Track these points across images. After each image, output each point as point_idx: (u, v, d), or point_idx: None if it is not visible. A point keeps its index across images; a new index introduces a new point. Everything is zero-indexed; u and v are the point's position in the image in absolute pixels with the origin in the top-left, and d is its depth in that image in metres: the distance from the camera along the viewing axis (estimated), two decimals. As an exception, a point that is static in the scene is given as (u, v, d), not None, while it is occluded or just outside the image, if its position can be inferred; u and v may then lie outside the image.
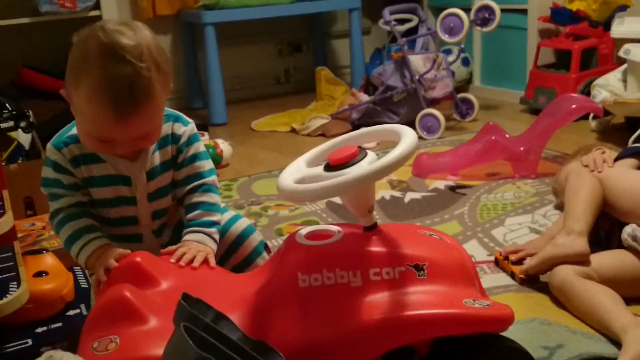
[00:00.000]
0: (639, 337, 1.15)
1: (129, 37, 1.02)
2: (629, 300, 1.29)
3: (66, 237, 1.14)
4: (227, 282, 1.10)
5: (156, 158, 1.17)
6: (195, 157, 1.20)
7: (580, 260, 1.36)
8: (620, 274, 1.34)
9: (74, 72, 1.04)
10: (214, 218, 1.20)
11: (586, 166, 1.54)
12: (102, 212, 1.18)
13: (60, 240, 1.16)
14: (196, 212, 1.20)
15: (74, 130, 1.14)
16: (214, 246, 1.19)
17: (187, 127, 1.19)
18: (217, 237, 1.20)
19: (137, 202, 1.18)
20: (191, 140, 1.20)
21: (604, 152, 1.71)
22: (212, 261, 1.14)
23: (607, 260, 1.37)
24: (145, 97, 1.03)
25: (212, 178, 1.22)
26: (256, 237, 1.28)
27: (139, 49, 1.02)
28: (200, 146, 1.21)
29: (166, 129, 1.18)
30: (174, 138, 1.18)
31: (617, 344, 1.20)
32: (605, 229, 1.53)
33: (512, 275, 1.50)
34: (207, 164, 1.22)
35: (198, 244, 1.16)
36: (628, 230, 1.37)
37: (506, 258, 1.56)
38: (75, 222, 1.14)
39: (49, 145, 1.15)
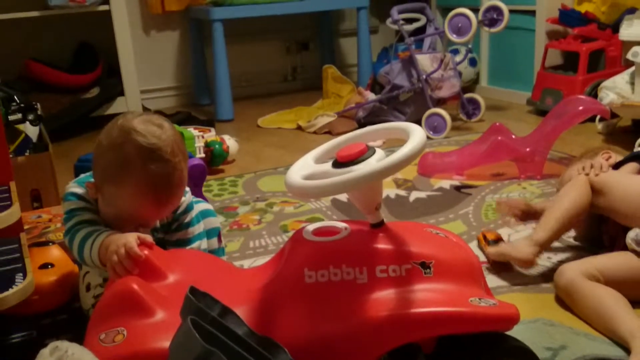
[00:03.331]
0: None
1: (159, 136, 1.14)
2: (634, 303, 1.28)
3: (78, 244, 1.15)
4: (234, 276, 1.10)
5: (156, 222, 1.25)
6: (189, 224, 1.28)
7: (524, 266, 1.48)
8: (625, 276, 1.34)
9: (114, 172, 1.14)
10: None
11: (583, 169, 1.54)
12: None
13: (74, 251, 1.17)
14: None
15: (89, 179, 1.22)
16: None
17: (185, 198, 1.26)
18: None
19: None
20: (188, 209, 1.28)
21: (609, 157, 1.70)
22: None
23: (612, 261, 1.37)
24: (179, 185, 1.17)
25: (197, 244, 1.30)
26: (213, 221, 1.37)
27: (170, 146, 1.14)
28: (193, 213, 1.30)
29: None
30: None
31: (621, 346, 1.20)
32: (610, 233, 1.53)
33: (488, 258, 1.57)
34: (197, 229, 1.30)
35: None
36: (632, 235, 1.37)
37: (486, 241, 1.62)
38: (83, 230, 1.16)
39: (71, 184, 1.22)
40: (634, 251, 1.36)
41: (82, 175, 1.24)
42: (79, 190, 1.20)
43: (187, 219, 1.28)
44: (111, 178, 1.14)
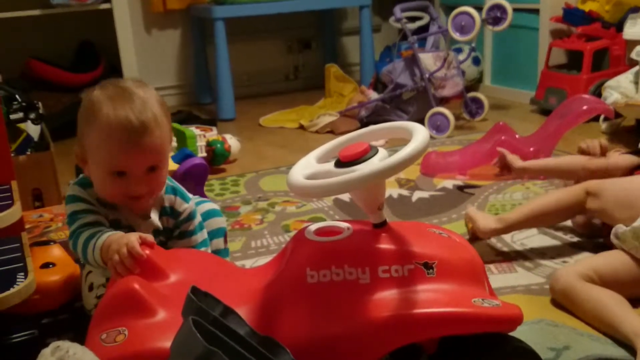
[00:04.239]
0: None
1: (137, 86, 1.14)
2: (631, 302, 1.28)
3: (82, 246, 1.13)
4: (236, 276, 1.10)
5: (158, 223, 1.23)
6: (192, 233, 1.26)
7: (480, 235, 1.63)
8: (621, 274, 1.33)
9: (84, 121, 1.13)
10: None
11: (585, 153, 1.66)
12: None
13: (78, 254, 1.15)
14: None
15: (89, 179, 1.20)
16: None
17: (187, 205, 1.25)
18: None
19: None
20: (190, 216, 1.25)
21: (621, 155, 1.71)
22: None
23: (607, 261, 1.37)
24: (153, 121, 1.11)
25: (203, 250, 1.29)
26: (219, 221, 1.36)
27: (147, 94, 1.13)
28: (196, 221, 1.27)
29: (168, 200, 1.23)
30: (174, 213, 1.24)
31: (624, 346, 1.20)
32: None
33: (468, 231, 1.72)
34: (200, 237, 1.27)
35: None
36: (613, 231, 1.39)
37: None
38: (86, 232, 1.14)
39: (72, 186, 1.20)
40: (618, 246, 1.37)
41: (81, 176, 1.22)
42: (79, 191, 1.19)
43: (190, 227, 1.26)
44: (84, 127, 1.13)
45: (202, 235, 1.28)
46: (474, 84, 3.54)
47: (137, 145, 1.10)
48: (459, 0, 3.36)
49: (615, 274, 1.33)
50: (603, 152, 1.70)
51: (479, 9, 2.83)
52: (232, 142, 2.56)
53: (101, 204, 1.19)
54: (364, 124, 2.91)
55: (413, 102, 2.95)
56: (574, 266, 1.38)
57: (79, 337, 0.98)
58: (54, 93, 2.97)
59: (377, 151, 0.97)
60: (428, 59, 2.91)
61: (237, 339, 0.82)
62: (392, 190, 2.14)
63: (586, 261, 1.39)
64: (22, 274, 1.12)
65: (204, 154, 2.43)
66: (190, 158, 1.82)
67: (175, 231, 1.25)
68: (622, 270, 1.34)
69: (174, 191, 1.25)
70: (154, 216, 1.22)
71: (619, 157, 1.64)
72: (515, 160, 1.94)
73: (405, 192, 2.12)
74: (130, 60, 3.18)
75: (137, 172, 1.13)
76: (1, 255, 1.20)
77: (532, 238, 1.71)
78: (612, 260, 1.36)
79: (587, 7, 2.99)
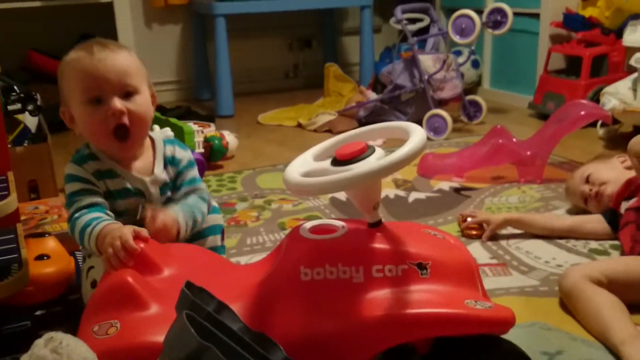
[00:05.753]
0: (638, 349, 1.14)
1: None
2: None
3: (78, 233, 1.14)
4: (230, 272, 1.10)
5: (164, 175, 1.26)
6: (194, 181, 1.30)
7: None
8: (629, 279, 1.33)
9: (60, 75, 1.21)
10: (198, 216, 1.26)
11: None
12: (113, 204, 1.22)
13: (76, 239, 1.16)
14: (189, 201, 1.26)
15: (87, 150, 1.23)
16: (183, 228, 1.22)
17: (186, 153, 1.30)
18: (188, 226, 1.24)
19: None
20: (190, 164, 1.30)
21: (624, 161, 1.72)
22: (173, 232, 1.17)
23: (619, 264, 1.36)
24: (119, 47, 1.19)
25: (208, 197, 1.32)
26: (217, 218, 1.36)
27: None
28: (196, 171, 1.32)
29: (169, 149, 1.28)
30: (175, 161, 1.28)
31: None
32: (632, 234, 1.52)
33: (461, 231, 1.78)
34: (204, 187, 1.32)
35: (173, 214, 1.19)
36: None
37: (464, 219, 1.80)
38: (82, 218, 1.15)
39: (69, 164, 1.22)
40: None
41: (76, 154, 1.23)
42: (75, 169, 1.20)
43: (191, 176, 1.29)
44: (61, 80, 1.20)
45: (206, 189, 1.31)
46: (473, 87, 3.54)
47: (104, 63, 1.15)
48: (460, 3, 3.36)
49: (627, 277, 1.31)
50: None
51: (479, 12, 2.83)
52: (230, 138, 2.56)
53: (100, 177, 1.20)
54: (362, 124, 2.91)
55: (411, 103, 2.95)
56: (584, 267, 1.37)
57: (73, 330, 0.98)
58: (53, 85, 2.94)
59: (374, 150, 0.97)
60: (427, 61, 2.91)
61: (231, 334, 0.83)
62: (388, 190, 2.14)
63: (597, 263, 1.38)
64: (17, 265, 1.12)
65: (202, 150, 2.43)
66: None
67: (178, 180, 1.28)
68: (635, 275, 1.32)
69: (172, 141, 1.30)
70: (158, 170, 1.25)
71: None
72: None
73: (401, 193, 2.13)
74: (130, 55, 3.17)
75: (112, 94, 1.16)
76: (-4, 246, 1.20)
77: (527, 242, 1.71)
78: (627, 264, 1.35)
79: (587, 13, 3.00)
